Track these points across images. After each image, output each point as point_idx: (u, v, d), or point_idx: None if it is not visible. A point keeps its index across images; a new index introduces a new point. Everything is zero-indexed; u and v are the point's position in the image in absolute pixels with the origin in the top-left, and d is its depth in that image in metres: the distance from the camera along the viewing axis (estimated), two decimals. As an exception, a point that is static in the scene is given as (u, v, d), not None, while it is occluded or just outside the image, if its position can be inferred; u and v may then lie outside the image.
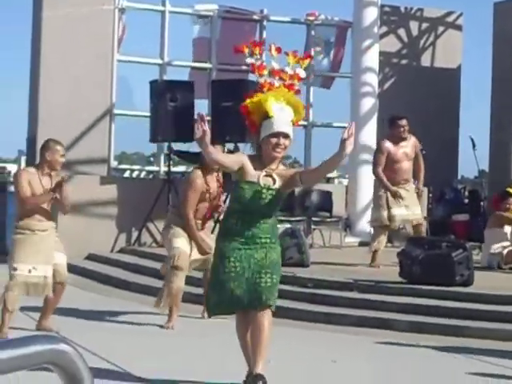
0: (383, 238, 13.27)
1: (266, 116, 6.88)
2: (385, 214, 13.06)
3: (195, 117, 8.05)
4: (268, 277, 6.88)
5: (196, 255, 10.22)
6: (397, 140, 13.24)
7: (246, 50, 7.29)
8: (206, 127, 6.58)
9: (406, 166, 13.28)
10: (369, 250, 13.36)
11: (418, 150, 13.43)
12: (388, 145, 13.23)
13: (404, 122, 13.29)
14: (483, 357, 8.77)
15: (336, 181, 21.47)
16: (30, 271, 9.24)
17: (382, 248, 13.18)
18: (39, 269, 9.30)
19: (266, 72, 7.15)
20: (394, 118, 13.48)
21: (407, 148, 13.31)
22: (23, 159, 25.87)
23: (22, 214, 9.34)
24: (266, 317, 6.87)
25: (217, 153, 7.17)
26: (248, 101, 7.00)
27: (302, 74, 7.28)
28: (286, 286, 10.76)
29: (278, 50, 7.35)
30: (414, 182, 13.34)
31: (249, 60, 7.24)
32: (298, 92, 7.21)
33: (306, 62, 7.35)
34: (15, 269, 9.23)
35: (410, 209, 13.20)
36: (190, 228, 10.20)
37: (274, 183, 6.94)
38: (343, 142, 6.62)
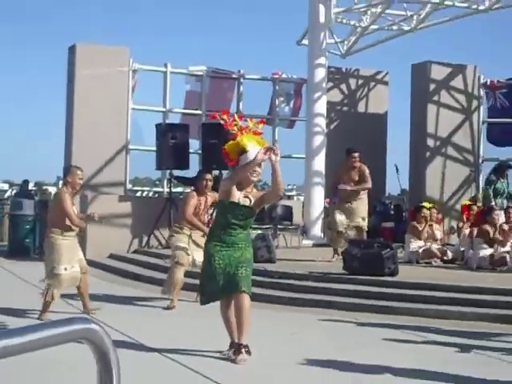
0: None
1: (243, 151, 6.95)
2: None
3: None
4: (244, 269, 6.95)
5: (197, 256, 10.17)
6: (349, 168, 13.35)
7: (218, 117, 7.32)
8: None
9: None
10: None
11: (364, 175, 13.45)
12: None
13: (356, 154, 13.37)
14: (404, 329, 8.81)
15: (295, 198, 21.55)
16: (70, 268, 9.20)
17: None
18: (75, 266, 9.27)
19: (235, 128, 7.20)
20: (349, 150, 13.53)
21: (354, 174, 13.36)
22: (60, 183, 25.78)
23: (64, 225, 9.25)
24: (245, 299, 6.91)
25: (234, 175, 7.13)
26: (226, 145, 7.10)
27: (260, 130, 7.33)
28: (259, 277, 10.76)
29: (240, 117, 7.41)
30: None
31: (221, 121, 7.29)
32: (260, 133, 7.27)
33: (260, 126, 7.37)
34: (65, 268, 9.13)
35: (354, 218, 13.30)
36: (194, 224, 10.23)
37: (250, 203, 7.03)
38: (268, 151, 6.83)
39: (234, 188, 6.98)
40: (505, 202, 15.58)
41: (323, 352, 7.51)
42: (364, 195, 13.47)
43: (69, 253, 9.19)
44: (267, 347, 7.62)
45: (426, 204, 14.53)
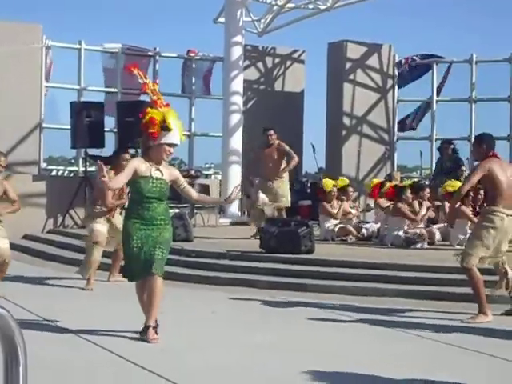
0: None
1: (166, 128, 6.87)
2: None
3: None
4: (160, 251, 6.90)
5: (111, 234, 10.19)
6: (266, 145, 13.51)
7: (135, 71, 7.25)
8: (105, 175, 6.66)
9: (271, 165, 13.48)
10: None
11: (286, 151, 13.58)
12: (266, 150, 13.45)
13: (271, 131, 13.53)
14: (324, 308, 8.89)
15: (212, 176, 21.50)
16: None
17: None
18: None
19: (150, 92, 7.12)
20: (264, 128, 13.69)
21: (272, 151, 13.51)
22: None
23: None
24: (157, 282, 6.88)
25: (116, 182, 7.22)
26: (153, 112, 6.94)
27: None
28: (176, 256, 10.74)
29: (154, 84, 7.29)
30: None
31: (141, 81, 7.20)
32: (168, 105, 7.14)
33: (157, 86, 7.23)
34: None
35: (277, 197, 13.46)
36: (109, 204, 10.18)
37: (162, 175, 6.99)
38: (229, 197, 7.32)
39: (140, 165, 6.95)
40: None
41: (241, 331, 7.53)
42: (285, 174, 13.64)
43: None
44: (183, 326, 7.60)
45: (340, 181, 14.59)
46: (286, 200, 13.65)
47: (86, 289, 10.05)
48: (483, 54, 20.23)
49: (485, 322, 7.98)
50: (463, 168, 15.81)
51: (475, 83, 19.90)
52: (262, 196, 13.40)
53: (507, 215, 8.11)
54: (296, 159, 13.65)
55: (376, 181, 15.38)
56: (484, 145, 8.27)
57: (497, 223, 8.07)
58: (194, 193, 7.46)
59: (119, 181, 7.22)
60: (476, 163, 8.73)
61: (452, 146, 16.48)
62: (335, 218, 13.84)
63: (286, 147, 13.57)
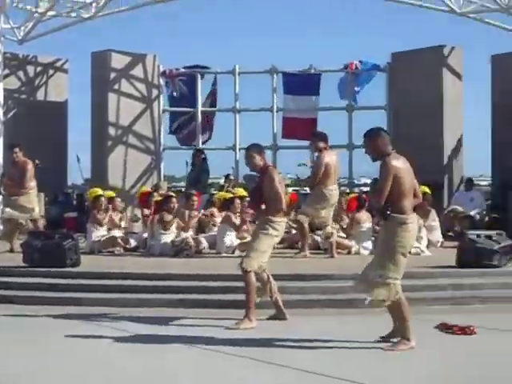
0: None
1: None
2: None
3: None
4: None
5: None
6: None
7: None
8: None
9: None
10: None
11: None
12: None
13: (16, 149, 13.12)
14: (94, 320, 8.69)
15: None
16: None
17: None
18: None
19: None
20: (10, 145, 13.38)
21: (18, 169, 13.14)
22: None
23: None
24: None
25: None
26: None
27: None
28: None
29: None
30: None
31: None
32: None
33: None
34: None
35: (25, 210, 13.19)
36: None
37: None
38: None
39: None
40: None
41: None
42: (31, 190, 13.25)
43: None
44: None
45: (109, 193, 14.44)
46: (35, 212, 13.38)
47: None
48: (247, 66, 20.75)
49: (249, 327, 8.12)
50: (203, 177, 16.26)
51: (238, 94, 20.39)
52: (11, 211, 13.15)
53: (284, 222, 8.57)
54: (29, 184, 13.29)
55: (144, 189, 15.33)
56: (263, 154, 8.64)
57: (278, 230, 8.39)
58: None
59: None
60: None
61: (203, 156, 16.70)
62: (103, 228, 13.62)
63: (28, 166, 13.19)
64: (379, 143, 7.26)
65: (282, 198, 8.35)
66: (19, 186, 13.14)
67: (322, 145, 12.31)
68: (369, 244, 13.14)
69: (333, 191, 12.30)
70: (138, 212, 15.99)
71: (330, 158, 12.27)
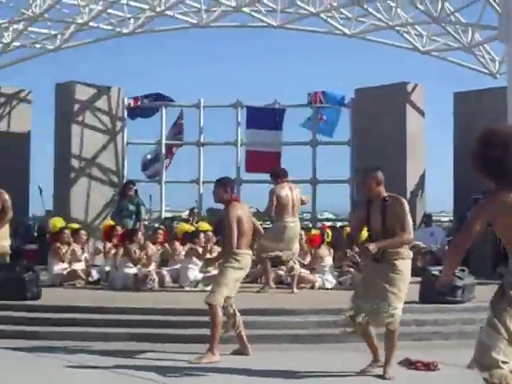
0: None
1: None
2: None
3: None
4: None
5: None
6: None
7: None
8: None
9: None
10: None
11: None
12: None
13: None
14: (55, 353, 8.61)
15: None
16: None
17: None
18: None
19: None
20: None
21: None
22: None
23: None
24: None
25: None
26: None
27: None
28: None
29: None
30: None
31: None
32: None
33: None
34: None
35: None
36: None
37: None
38: None
39: None
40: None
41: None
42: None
43: None
44: None
45: (73, 225, 14.33)
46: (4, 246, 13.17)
47: None
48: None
49: (213, 361, 8.06)
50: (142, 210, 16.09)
51: (203, 127, 20.46)
52: None
53: (249, 255, 8.58)
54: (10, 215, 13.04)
55: (108, 223, 15.23)
56: (228, 188, 8.56)
57: (242, 264, 8.39)
58: None
59: None
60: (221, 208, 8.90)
61: (135, 188, 16.56)
62: (64, 261, 13.47)
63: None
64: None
65: (231, 236, 8.29)
66: None
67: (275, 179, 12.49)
68: (330, 277, 13.26)
69: (289, 223, 12.30)
70: (99, 244, 15.88)
71: (286, 190, 12.32)
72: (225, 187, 8.58)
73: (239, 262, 8.36)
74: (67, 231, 13.77)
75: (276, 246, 12.28)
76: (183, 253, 13.69)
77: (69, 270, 13.42)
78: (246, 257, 8.47)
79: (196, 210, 18.45)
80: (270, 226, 12.89)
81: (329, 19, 18.73)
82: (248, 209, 8.92)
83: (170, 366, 7.94)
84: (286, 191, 12.31)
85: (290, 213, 12.31)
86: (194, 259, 12.97)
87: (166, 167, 20.54)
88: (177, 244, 14.18)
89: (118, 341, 9.34)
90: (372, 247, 7.29)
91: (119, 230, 14.38)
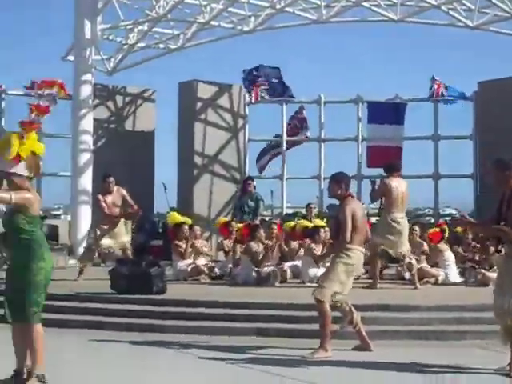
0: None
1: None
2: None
3: None
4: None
5: None
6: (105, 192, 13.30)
7: None
8: None
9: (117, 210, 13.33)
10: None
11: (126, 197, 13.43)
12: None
13: (111, 178, 13.35)
14: (177, 347, 8.78)
15: (62, 217, 21.01)
16: None
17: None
18: None
19: None
20: (105, 175, 13.52)
21: (115, 198, 13.35)
22: None
23: None
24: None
25: None
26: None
27: None
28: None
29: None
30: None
31: None
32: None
33: None
34: None
35: (117, 238, 13.32)
36: None
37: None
38: None
39: None
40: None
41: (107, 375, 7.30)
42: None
43: None
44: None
45: (187, 221, 14.48)
46: (127, 241, 13.62)
47: None
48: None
49: (323, 357, 8.05)
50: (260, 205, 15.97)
51: (324, 123, 20.50)
52: (105, 241, 13.37)
53: (361, 252, 8.43)
54: (136, 209, 13.51)
55: (223, 219, 15.43)
56: (343, 184, 8.48)
57: (353, 260, 8.29)
58: None
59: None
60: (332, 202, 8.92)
61: (254, 183, 16.39)
62: (185, 258, 13.72)
63: (127, 196, 13.46)
64: None
65: (345, 230, 8.20)
66: (112, 216, 13.41)
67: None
68: (454, 272, 13.26)
69: (397, 219, 12.16)
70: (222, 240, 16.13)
71: (397, 183, 12.21)
72: (339, 183, 8.53)
73: (350, 258, 8.28)
74: (186, 226, 13.95)
75: (384, 242, 12.16)
76: (302, 250, 13.78)
77: (193, 265, 13.66)
78: (357, 253, 8.37)
79: (313, 206, 18.43)
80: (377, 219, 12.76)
81: (450, 11, 18.42)
82: (362, 206, 8.86)
83: (287, 359, 7.99)
84: (397, 184, 12.23)
85: (399, 207, 12.20)
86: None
87: (270, 159, 20.70)
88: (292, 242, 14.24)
89: (236, 335, 9.45)
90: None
91: (234, 225, 14.53)
